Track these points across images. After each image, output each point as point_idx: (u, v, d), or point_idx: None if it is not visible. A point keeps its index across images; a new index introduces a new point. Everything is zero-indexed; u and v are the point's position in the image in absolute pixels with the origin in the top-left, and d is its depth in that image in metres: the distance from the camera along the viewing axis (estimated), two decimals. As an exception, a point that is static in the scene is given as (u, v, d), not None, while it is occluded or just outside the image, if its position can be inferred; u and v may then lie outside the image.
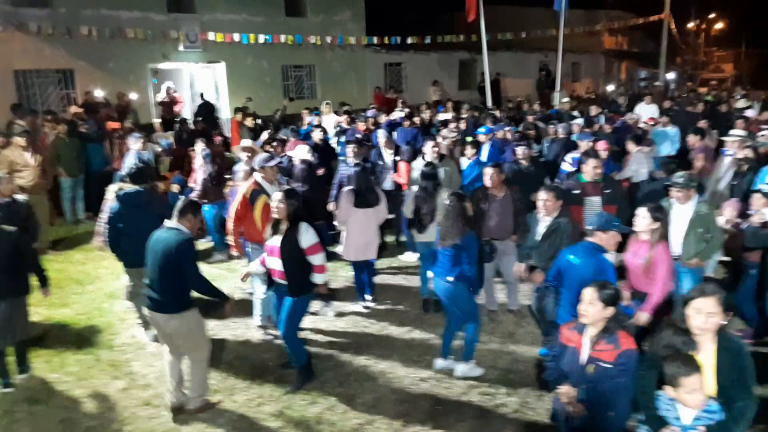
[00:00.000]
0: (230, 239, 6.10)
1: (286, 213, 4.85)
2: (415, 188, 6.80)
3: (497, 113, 13.24)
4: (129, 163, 8.22)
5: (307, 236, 4.83)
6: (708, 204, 5.62)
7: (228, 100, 17.07)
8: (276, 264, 4.92)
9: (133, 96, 14.62)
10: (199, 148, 8.70)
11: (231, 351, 5.75)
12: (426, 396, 4.92)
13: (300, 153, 7.95)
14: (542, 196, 5.30)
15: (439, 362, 5.35)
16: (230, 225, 6.04)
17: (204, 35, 15.36)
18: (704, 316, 3.01)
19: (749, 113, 12.41)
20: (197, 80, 18.20)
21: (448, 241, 5.02)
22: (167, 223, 4.56)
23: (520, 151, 7.75)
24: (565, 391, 3.38)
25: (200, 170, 8.28)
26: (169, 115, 15.45)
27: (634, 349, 3.31)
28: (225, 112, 16.80)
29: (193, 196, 7.75)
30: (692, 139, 9.01)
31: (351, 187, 6.44)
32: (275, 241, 4.90)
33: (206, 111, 14.96)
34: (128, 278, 5.93)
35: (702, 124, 10.09)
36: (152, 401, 4.88)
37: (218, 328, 6.15)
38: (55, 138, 9.79)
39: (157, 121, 15.13)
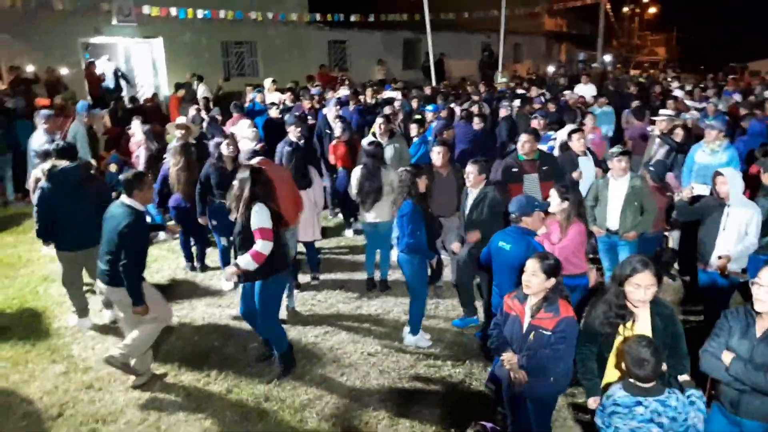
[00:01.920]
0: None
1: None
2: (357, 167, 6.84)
3: (448, 92, 13.39)
4: (38, 141, 7.79)
5: (256, 218, 4.53)
6: (641, 178, 5.87)
7: (166, 77, 16.48)
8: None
9: (63, 71, 13.90)
10: (136, 125, 8.40)
11: (176, 332, 5.65)
12: (374, 370, 4.99)
13: (242, 129, 7.77)
14: (468, 170, 5.52)
15: (408, 338, 5.44)
16: None
17: (138, 9, 14.67)
18: (643, 289, 3.21)
19: (677, 93, 13.00)
20: (133, 56, 17.47)
21: (395, 213, 5.21)
22: (122, 198, 4.48)
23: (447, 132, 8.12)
24: (508, 357, 3.51)
25: (141, 149, 8.01)
26: (95, 92, 14.79)
27: (572, 316, 3.45)
28: (164, 90, 16.23)
29: None
30: (628, 119, 9.37)
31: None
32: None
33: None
34: (62, 264, 5.60)
35: (635, 104, 10.48)
36: (94, 384, 4.75)
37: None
38: (-22, 115, 9.24)
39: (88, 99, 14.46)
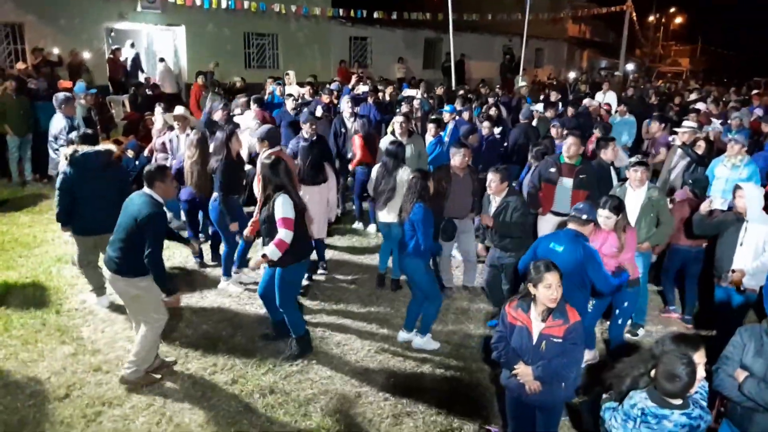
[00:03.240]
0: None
1: (266, 183, 4.81)
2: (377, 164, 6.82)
3: (466, 94, 13.31)
4: (57, 124, 7.80)
5: (280, 208, 4.65)
6: (659, 190, 5.80)
7: (186, 65, 16.59)
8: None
9: (86, 55, 14.03)
10: (158, 112, 8.43)
11: (185, 320, 5.67)
12: (380, 369, 4.98)
13: (246, 120, 7.78)
14: (489, 177, 5.57)
15: (402, 334, 5.46)
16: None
17: (164, -4, 14.84)
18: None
19: (700, 106, 12.84)
20: (156, 43, 17.60)
21: (405, 216, 5.16)
22: (144, 189, 4.47)
23: (472, 137, 8.03)
24: (524, 370, 3.43)
25: (163, 136, 8.01)
26: (117, 76, 14.89)
27: (579, 321, 3.43)
28: (184, 77, 16.33)
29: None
30: (654, 128, 9.25)
31: (298, 163, 6.27)
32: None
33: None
34: (78, 247, 5.71)
35: (656, 115, 10.36)
36: (102, 367, 4.79)
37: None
38: (2, 94, 9.33)
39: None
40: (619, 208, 4.73)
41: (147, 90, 12.72)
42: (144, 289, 4.45)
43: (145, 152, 8.07)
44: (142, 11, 15.27)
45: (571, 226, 4.46)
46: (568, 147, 6.13)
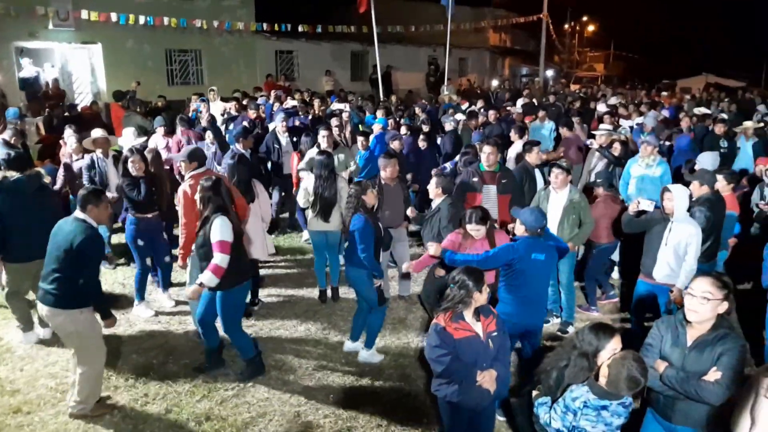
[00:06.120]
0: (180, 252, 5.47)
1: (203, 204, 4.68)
2: (303, 174, 6.81)
3: (390, 105, 13.44)
4: None
5: (217, 231, 4.53)
6: (580, 192, 6.05)
7: (105, 85, 15.98)
8: None
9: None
10: (69, 134, 8.01)
11: (113, 349, 5.41)
12: (319, 386, 4.93)
13: (126, 137, 7.75)
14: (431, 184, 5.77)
15: (348, 344, 5.49)
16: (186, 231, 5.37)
17: (77, 13, 14.19)
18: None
19: (600, 108, 13.57)
20: (71, 62, 16.86)
21: (347, 228, 5.20)
22: (76, 213, 4.25)
23: (396, 143, 8.23)
24: (489, 376, 3.44)
25: (77, 159, 7.63)
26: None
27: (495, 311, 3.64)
28: (103, 97, 15.72)
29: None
30: (563, 132, 9.68)
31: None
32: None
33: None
34: (9, 275, 5.38)
35: (576, 120, 10.81)
36: (22, 408, 4.50)
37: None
38: None
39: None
40: (484, 218, 4.78)
41: (64, 112, 12.15)
42: (84, 323, 4.23)
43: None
44: (54, 29, 14.60)
45: (531, 233, 4.50)
46: (487, 156, 6.31)
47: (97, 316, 4.33)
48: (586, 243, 6.30)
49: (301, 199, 6.46)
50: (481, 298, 3.44)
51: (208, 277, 4.48)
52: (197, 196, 4.72)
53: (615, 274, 7.24)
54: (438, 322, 3.46)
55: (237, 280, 4.69)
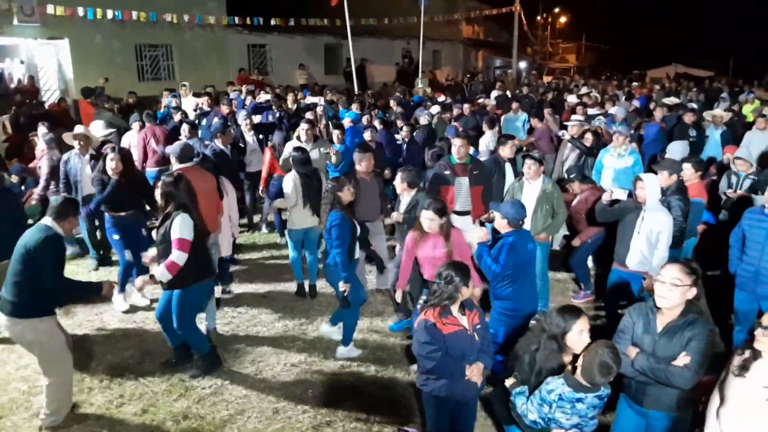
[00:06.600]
0: None
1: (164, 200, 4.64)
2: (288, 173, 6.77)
3: (365, 99, 13.38)
4: None
5: (178, 228, 4.48)
6: (553, 183, 6.12)
7: (73, 81, 15.64)
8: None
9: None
10: (42, 132, 7.89)
11: (86, 349, 5.35)
12: (297, 381, 4.92)
13: (95, 128, 7.71)
14: (398, 177, 5.82)
15: (324, 327, 5.59)
16: None
17: (42, 8, 13.85)
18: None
19: (570, 99, 13.73)
20: (37, 58, 16.46)
21: (324, 224, 5.20)
22: (45, 220, 4.08)
23: (367, 134, 8.34)
24: (478, 369, 3.46)
25: (44, 158, 7.50)
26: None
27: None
28: (72, 94, 15.39)
29: (41, 187, 7.08)
30: (534, 122, 9.79)
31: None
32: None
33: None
34: None
35: (547, 111, 10.90)
36: (-8, 414, 4.42)
37: (72, 326, 5.68)
38: None
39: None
40: (443, 211, 4.66)
41: (31, 110, 11.89)
42: (45, 333, 4.09)
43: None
44: (19, 24, 14.22)
45: (514, 228, 4.61)
46: (458, 149, 6.30)
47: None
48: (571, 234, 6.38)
49: (291, 201, 6.24)
50: (467, 292, 3.48)
51: (160, 272, 4.45)
52: (157, 192, 4.70)
53: (589, 263, 7.34)
54: (427, 318, 3.42)
55: (195, 279, 4.67)
